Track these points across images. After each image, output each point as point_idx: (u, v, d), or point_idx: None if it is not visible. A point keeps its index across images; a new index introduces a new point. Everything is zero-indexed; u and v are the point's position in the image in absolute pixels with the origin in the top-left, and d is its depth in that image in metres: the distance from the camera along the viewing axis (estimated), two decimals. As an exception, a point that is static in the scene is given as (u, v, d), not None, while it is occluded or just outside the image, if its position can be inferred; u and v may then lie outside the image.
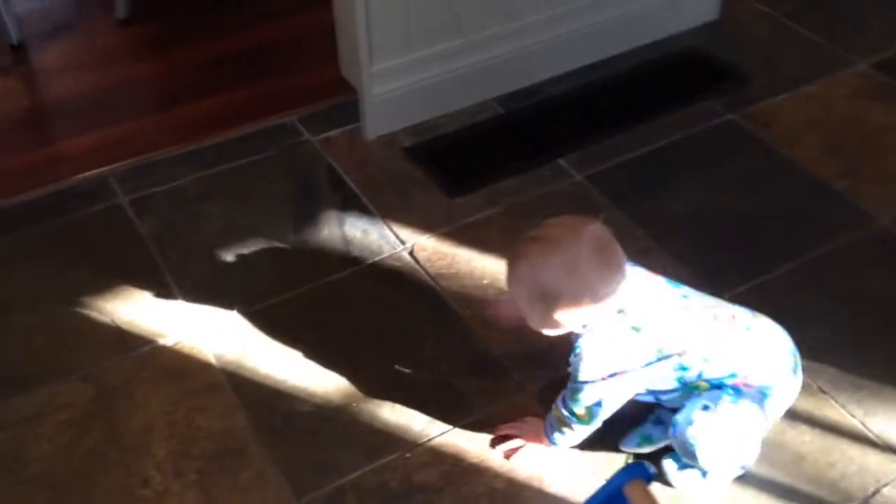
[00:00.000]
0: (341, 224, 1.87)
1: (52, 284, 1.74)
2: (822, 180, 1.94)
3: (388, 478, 1.42)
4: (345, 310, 1.69)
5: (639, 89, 2.22)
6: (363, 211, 1.90)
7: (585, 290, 1.25)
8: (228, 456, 1.45)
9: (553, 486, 1.41)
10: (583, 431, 1.37)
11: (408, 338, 1.64)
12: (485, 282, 1.73)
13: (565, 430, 1.37)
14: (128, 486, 1.42)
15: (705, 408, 1.31)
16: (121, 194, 1.94)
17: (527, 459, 1.43)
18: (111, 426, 1.50)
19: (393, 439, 1.47)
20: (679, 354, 1.30)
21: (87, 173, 1.99)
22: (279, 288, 1.73)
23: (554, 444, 1.40)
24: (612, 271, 1.27)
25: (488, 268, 1.76)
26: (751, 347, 1.35)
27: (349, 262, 1.78)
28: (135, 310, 1.69)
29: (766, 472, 1.42)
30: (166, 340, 1.63)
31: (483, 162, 2.02)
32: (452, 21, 2.03)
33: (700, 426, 1.30)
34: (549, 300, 1.26)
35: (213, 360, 1.60)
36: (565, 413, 1.35)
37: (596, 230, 1.29)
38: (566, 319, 1.28)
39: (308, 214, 1.89)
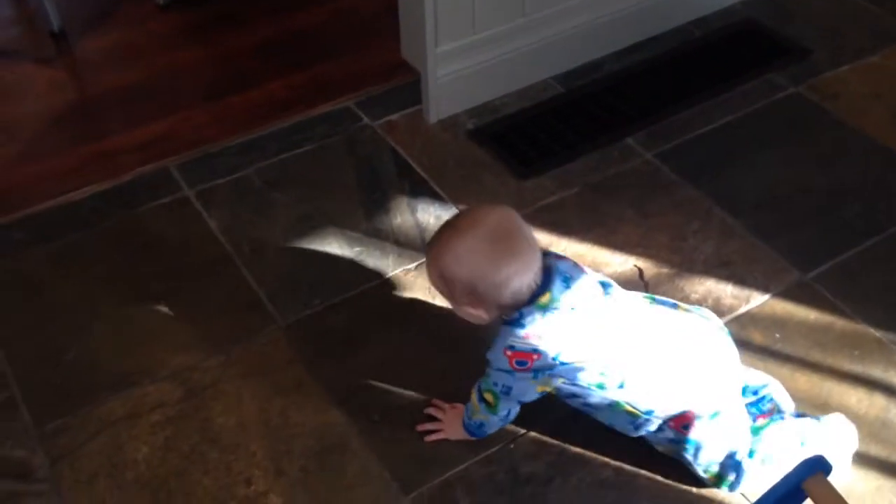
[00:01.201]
0: (413, 211, 1.83)
1: (126, 283, 1.70)
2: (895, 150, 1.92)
3: (495, 469, 1.40)
4: (428, 299, 1.66)
5: (699, 63, 2.18)
6: (433, 196, 1.86)
7: (479, 277, 1.27)
8: (329, 453, 1.43)
9: (660, 476, 1.39)
10: (490, 421, 1.38)
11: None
12: (567, 266, 1.70)
13: (476, 416, 1.39)
14: (230, 486, 1.39)
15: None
16: (185, 187, 1.90)
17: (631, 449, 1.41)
18: (206, 426, 1.47)
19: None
20: (580, 362, 1.28)
21: (147, 166, 1.95)
22: (359, 278, 1.70)
23: (468, 431, 1.41)
24: (508, 260, 1.26)
25: (569, 251, 1.73)
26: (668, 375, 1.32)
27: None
28: (214, 306, 1.66)
29: (876, 450, 1.40)
30: (250, 337, 1.60)
31: (549, 143, 1.99)
32: (516, 2, 1.98)
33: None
34: (450, 285, 1.30)
35: (301, 356, 1.57)
36: (476, 398, 1.37)
37: (500, 218, 1.31)
38: (470, 304, 1.30)
39: (377, 201, 1.86)
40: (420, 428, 1.45)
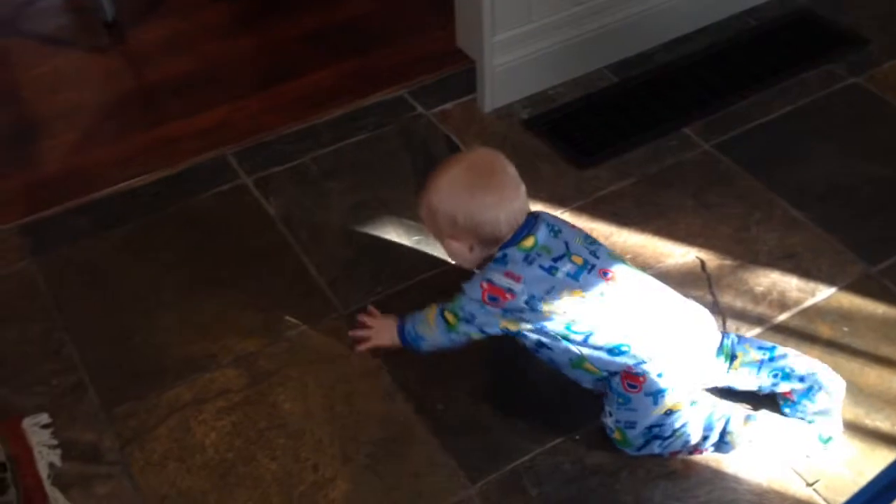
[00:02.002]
0: (471, 200, 1.83)
1: (189, 269, 1.72)
2: (960, 143, 1.89)
3: (561, 460, 1.40)
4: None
5: (754, 53, 2.16)
6: (490, 186, 1.86)
7: (457, 206, 1.36)
8: (395, 440, 1.43)
9: (731, 468, 1.38)
10: (434, 338, 1.44)
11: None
12: (628, 257, 1.70)
13: (421, 329, 1.45)
14: (298, 471, 1.40)
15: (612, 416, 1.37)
16: (243, 174, 1.91)
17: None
18: (271, 412, 1.48)
19: (559, 421, 1.45)
20: (550, 312, 1.33)
21: (205, 154, 1.96)
22: (419, 267, 1.70)
23: (403, 339, 1.48)
24: (484, 190, 1.36)
25: (629, 242, 1.73)
26: (647, 320, 1.35)
27: (485, 239, 1.75)
28: (276, 293, 1.66)
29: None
30: (313, 324, 1.61)
31: (605, 132, 1.98)
32: (574, -11, 1.98)
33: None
34: (435, 217, 1.40)
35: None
36: (435, 313, 1.43)
37: (483, 155, 1.45)
38: (451, 236, 1.39)
39: (435, 191, 1.86)
40: (352, 334, 1.55)
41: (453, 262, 1.51)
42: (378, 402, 1.49)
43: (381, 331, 1.54)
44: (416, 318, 1.48)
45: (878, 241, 1.69)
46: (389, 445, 1.43)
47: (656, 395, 1.34)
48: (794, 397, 1.40)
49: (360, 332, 1.55)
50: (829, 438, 1.39)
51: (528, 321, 1.35)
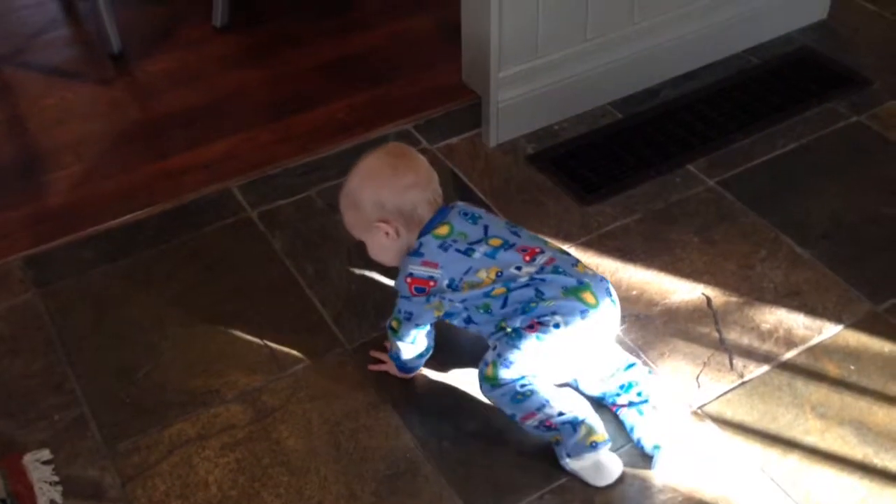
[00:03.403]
0: (476, 235, 1.83)
1: (193, 303, 1.71)
2: (964, 182, 1.90)
3: (569, 498, 1.39)
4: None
5: (757, 91, 2.17)
6: (496, 221, 1.86)
7: (383, 186, 1.43)
8: (401, 477, 1.42)
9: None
10: (401, 349, 1.50)
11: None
12: (633, 293, 1.70)
13: (392, 348, 1.52)
14: (302, 510, 1.39)
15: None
16: (248, 207, 1.91)
17: (713, 478, 1.39)
18: (276, 449, 1.47)
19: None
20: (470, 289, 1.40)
21: (210, 187, 1.97)
22: (424, 302, 1.69)
23: (396, 365, 1.54)
24: (405, 170, 1.45)
25: (634, 278, 1.73)
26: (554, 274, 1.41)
27: (490, 275, 1.75)
28: (281, 327, 1.66)
29: None
30: (318, 359, 1.60)
31: (610, 168, 1.98)
32: (580, 25, 1.99)
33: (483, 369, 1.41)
34: (361, 208, 1.45)
35: (371, 380, 1.56)
36: (387, 326, 1.50)
37: (394, 144, 1.55)
38: (381, 219, 1.43)
39: (440, 225, 1.86)
40: (372, 354, 1.59)
41: (378, 261, 1.55)
42: (383, 438, 1.48)
43: (391, 362, 1.56)
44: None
45: (883, 279, 1.69)
46: (395, 482, 1.42)
47: (542, 334, 1.37)
48: (628, 407, 1.46)
49: (378, 354, 1.59)
50: (657, 446, 1.41)
51: (451, 299, 1.42)
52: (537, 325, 1.38)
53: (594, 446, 1.38)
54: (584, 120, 2.11)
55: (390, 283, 1.72)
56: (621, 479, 1.40)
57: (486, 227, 1.45)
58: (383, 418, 1.51)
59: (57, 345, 1.64)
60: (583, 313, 1.39)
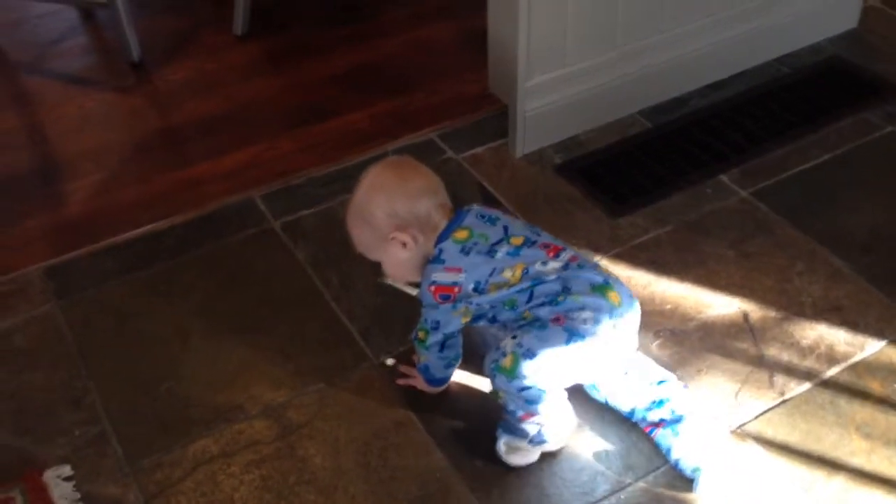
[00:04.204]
0: (504, 246, 1.79)
1: (216, 315, 1.67)
2: None
3: (607, 521, 1.34)
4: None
5: (788, 100, 2.13)
6: (524, 232, 1.82)
7: (394, 195, 1.40)
8: (432, 499, 1.37)
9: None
10: (430, 361, 1.45)
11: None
12: (667, 307, 1.65)
13: (421, 360, 1.47)
14: (330, 530, 1.35)
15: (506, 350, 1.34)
16: (270, 217, 1.87)
17: (756, 501, 1.35)
18: (302, 466, 1.42)
19: (598, 478, 1.39)
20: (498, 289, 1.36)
21: (232, 197, 1.93)
22: (452, 315, 1.65)
23: (425, 379, 1.49)
24: (413, 175, 1.43)
25: (668, 292, 1.68)
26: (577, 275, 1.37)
27: (520, 287, 1.70)
28: (305, 341, 1.62)
29: None
30: (344, 374, 1.56)
31: (639, 178, 1.94)
32: (609, 33, 1.95)
33: (493, 357, 1.34)
34: (373, 222, 1.41)
35: (399, 396, 1.52)
36: (413, 338, 1.46)
37: (394, 157, 1.54)
38: (396, 228, 1.40)
39: (467, 237, 1.81)
40: (401, 369, 1.55)
41: (394, 282, 1.53)
42: (413, 457, 1.43)
43: (420, 376, 1.52)
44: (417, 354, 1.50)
45: (927, 294, 1.64)
46: (426, 503, 1.37)
47: (573, 334, 1.32)
48: (663, 427, 1.41)
49: (406, 369, 1.55)
50: (697, 469, 1.36)
51: (479, 303, 1.38)
52: (564, 318, 1.33)
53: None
54: (613, 129, 2.07)
55: (416, 294, 1.67)
56: (661, 501, 1.36)
57: (505, 227, 1.41)
58: (413, 436, 1.46)
59: (77, 358, 1.61)
60: (611, 312, 1.34)
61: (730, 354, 1.57)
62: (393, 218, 1.40)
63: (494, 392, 1.37)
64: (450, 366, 1.48)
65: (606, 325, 1.33)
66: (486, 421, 1.47)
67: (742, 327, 1.61)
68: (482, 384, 1.52)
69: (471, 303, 1.39)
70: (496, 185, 1.94)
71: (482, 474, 1.40)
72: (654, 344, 1.58)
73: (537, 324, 1.34)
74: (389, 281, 1.64)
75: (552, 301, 1.34)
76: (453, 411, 1.49)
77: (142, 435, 1.48)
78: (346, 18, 2.51)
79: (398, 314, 1.66)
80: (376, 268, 1.59)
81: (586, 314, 1.32)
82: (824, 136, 2.02)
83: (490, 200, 1.89)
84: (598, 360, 1.37)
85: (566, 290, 1.35)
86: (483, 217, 1.43)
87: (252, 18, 2.45)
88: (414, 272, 1.45)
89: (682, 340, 1.59)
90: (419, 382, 1.52)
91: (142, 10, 2.52)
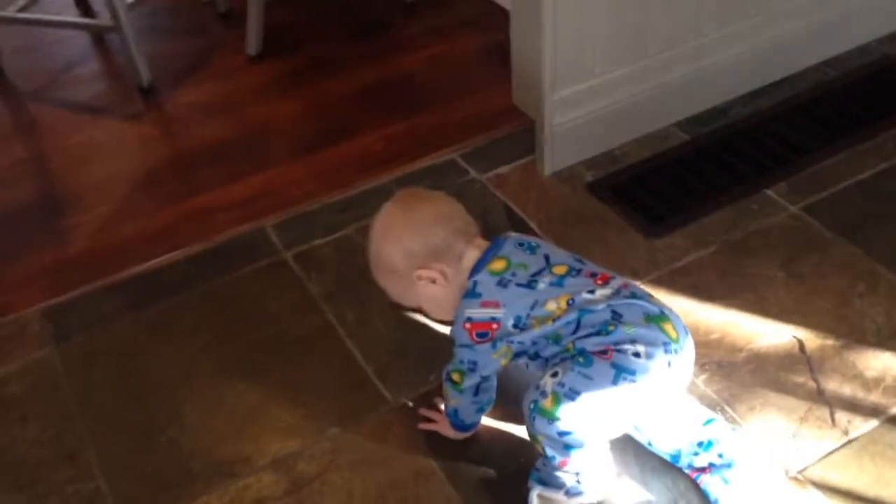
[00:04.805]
0: (532, 274, 1.65)
1: (222, 355, 1.56)
2: None
3: (652, 584, 1.19)
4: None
5: (837, 106, 1.97)
6: (554, 257, 1.68)
7: (407, 235, 1.28)
8: (456, 559, 1.24)
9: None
10: (462, 404, 1.32)
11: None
12: (713, 336, 1.50)
13: (450, 403, 1.34)
14: None
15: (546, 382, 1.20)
16: (282, 248, 1.76)
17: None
18: (313, 524, 1.30)
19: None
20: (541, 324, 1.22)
21: (242, 227, 1.82)
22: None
23: (454, 425, 1.36)
24: (419, 205, 1.32)
25: (713, 320, 1.53)
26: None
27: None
28: (318, 383, 1.49)
29: None
30: (359, 419, 1.43)
31: (678, 195, 1.80)
32: (641, 41, 1.81)
33: (533, 396, 1.20)
34: (397, 269, 1.29)
35: (419, 443, 1.39)
36: (444, 379, 1.32)
37: (397, 194, 1.36)
38: (421, 267, 1.27)
39: (492, 264, 1.68)
40: (422, 412, 1.42)
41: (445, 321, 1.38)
42: (435, 513, 1.30)
43: (445, 421, 1.38)
44: (445, 399, 1.36)
45: None
46: (449, 565, 1.24)
47: (622, 371, 1.17)
48: (710, 472, 1.27)
49: (427, 413, 1.42)
50: None
51: (521, 341, 1.24)
52: (613, 351, 1.18)
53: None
54: (647, 143, 1.93)
55: (442, 329, 1.54)
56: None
57: (546, 256, 1.28)
58: (434, 487, 1.33)
59: (73, 408, 1.49)
60: (666, 347, 1.19)
61: (785, 389, 1.41)
62: (411, 258, 1.28)
63: (532, 436, 1.23)
64: (481, 410, 1.35)
65: (660, 362, 1.18)
66: (516, 470, 1.33)
67: (797, 358, 1.46)
68: (511, 428, 1.39)
69: (511, 341, 1.24)
70: (524, 207, 1.80)
71: (512, 531, 1.27)
72: (700, 378, 1.43)
73: (580, 359, 1.19)
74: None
75: (600, 331, 1.20)
76: (479, 458, 1.36)
77: (138, 493, 1.35)
78: (364, 35, 2.40)
79: (418, 352, 1.53)
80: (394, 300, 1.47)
81: (638, 347, 1.18)
82: (880, 144, 1.86)
83: (517, 223, 1.76)
84: (648, 403, 1.22)
85: (617, 318, 1.20)
86: (521, 245, 1.30)
87: (266, 38, 2.35)
88: (448, 308, 1.31)
89: (730, 374, 1.44)
90: (444, 427, 1.39)
91: (151, 35, 2.44)
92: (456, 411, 1.34)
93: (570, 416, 1.17)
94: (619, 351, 1.17)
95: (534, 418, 1.19)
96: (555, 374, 1.19)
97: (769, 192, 1.78)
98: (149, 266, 1.75)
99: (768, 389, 1.41)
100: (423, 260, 1.27)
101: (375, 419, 1.43)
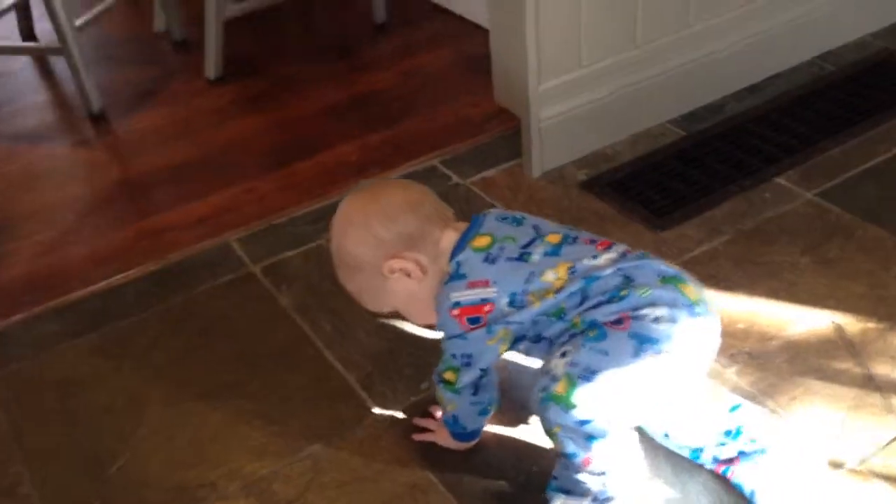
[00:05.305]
0: (530, 273, 1.48)
1: (178, 378, 1.35)
2: None
3: None
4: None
5: (840, 97, 1.85)
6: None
7: (373, 222, 1.11)
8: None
9: None
10: (460, 407, 1.13)
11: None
12: (739, 326, 1.33)
13: (447, 409, 1.15)
14: None
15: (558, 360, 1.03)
16: (249, 262, 1.57)
17: None
18: (292, 554, 1.09)
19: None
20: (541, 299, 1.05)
21: (203, 244, 1.63)
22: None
23: (454, 435, 1.16)
24: (383, 189, 1.17)
25: (735, 309, 1.36)
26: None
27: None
28: (293, 399, 1.30)
29: None
30: (343, 434, 1.23)
31: (682, 189, 1.65)
32: (628, 29, 1.68)
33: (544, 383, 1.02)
34: (365, 265, 1.12)
35: (414, 456, 1.19)
36: (436, 384, 1.14)
37: (361, 183, 1.22)
38: (394, 256, 1.10)
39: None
40: (416, 422, 1.22)
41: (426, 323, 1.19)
42: (438, 532, 1.10)
43: (442, 429, 1.19)
44: (442, 407, 1.17)
45: None
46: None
47: (643, 341, 0.99)
48: (741, 462, 1.10)
49: (423, 422, 1.22)
50: None
51: (520, 321, 1.06)
52: (630, 319, 1.01)
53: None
54: (641, 141, 1.79)
55: (433, 335, 1.36)
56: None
57: (535, 227, 1.12)
58: (436, 502, 1.12)
59: (10, 439, 1.28)
60: (689, 309, 1.03)
61: (828, 377, 1.24)
62: (379, 248, 1.11)
63: (547, 431, 1.04)
64: (484, 413, 1.15)
65: (685, 327, 1.01)
66: (528, 479, 1.13)
67: (837, 344, 1.29)
68: (520, 434, 1.20)
69: (510, 323, 1.07)
70: (514, 209, 1.63)
71: (531, 547, 1.07)
72: (731, 370, 1.26)
73: (592, 332, 1.02)
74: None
75: (612, 298, 1.03)
76: (485, 469, 1.16)
77: (85, 528, 1.14)
78: (332, 57, 2.26)
79: (406, 359, 1.34)
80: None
81: (659, 311, 1.01)
82: (888, 131, 1.73)
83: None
84: (676, 378, 1.04)
85: (629, 282, 1.03)
86: (505, 219, 1.14)
87: (227, 63, 2.19)
88: (429, 306, 1.13)
89: (764, 364, 1.27)
90: (442, 437, 1.19)
91: (103, 64, 2.28)
92: (455, 418, 1.15)
93: (588, 401, 0.99)
94: (636, 318, 1.01)
95: (546, 408, 1.01)
96: (564, 355, 1.02)
97: (780, 180, 1.63)
98: (96, 289, 1.55)
99: (809, 378, 1.24)
100: (394, 249, 1.10)
101: (361, 433, 1.23)
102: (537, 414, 1.03)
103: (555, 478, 1.08)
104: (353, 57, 2.25)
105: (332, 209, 1.65)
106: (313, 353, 1.37)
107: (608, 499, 1.06)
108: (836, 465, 1.12)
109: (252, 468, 1.19)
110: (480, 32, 2.08)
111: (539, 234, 1.11)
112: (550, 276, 1.05)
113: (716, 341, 1.07)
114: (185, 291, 1.52)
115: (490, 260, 1.08)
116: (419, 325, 1.21)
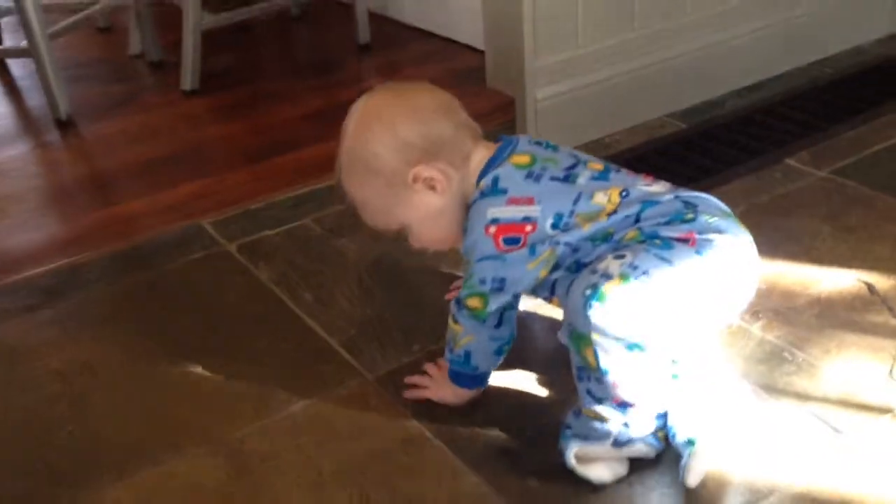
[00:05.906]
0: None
1: (138, 346, 1.21)
2: None
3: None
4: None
5: (846, 91, 1.80)
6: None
7: (400, 123, 0.99)
8: (470, 537, 0.88)
9: None
10: (478, 341, 1.00)
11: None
12: (761, 287, 1.21)
13: (459, 344, 1.01)
14: None
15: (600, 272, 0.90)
16: (224, 241, 1.45)
17: None
18: (266, 514, 0.93)
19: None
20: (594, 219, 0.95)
21: (174, 225, 1.51)
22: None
23: (456, 378, 1.03)
24: (418, 94, 1.03)
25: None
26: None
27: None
28: (270, 361, 1.16)
29: None
30: (327, 393, 1.09)
31: (688, 171, 1.56)
32: (626, 11, 1.62)
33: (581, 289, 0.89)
34: (380, 169, 1.00)
35: (404, 409, 1.05)
36: (454, 313, 1.01)
37: (388, 83, 1.10)
38: (421, 161, 0.98)
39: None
40: (408, 380, 1.09)
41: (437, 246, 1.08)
42: (435, 484, 0.94)
43: (438, 382, 1.06)
44: (449, 343, 1.04)
45: None
46: (461, 547, 0.88)
47: (705, 247, 0.91)
48: None
49: (415, 379, 1.09)
50: (692, 440, 0.93)
51: (567, 241, 0.95)
52: (697, 239, 0.91)
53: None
54: (640, 132, 1.71)
55: (418, 303, 1.24)
56: None
57: (574, 155, 1.02)
58: (430, 455, 0.98)
59: (-56, 409, 1.13)
60: (747, 246, 0.95)
61: (863, 329, 1.13)
62: (405, 152, 0.99)
63: (580, 339, 0.90)
64: (499, 352, 1.02)
65: (744, 261, 0.95)
66: (536, 434, 0.99)
67: (869, 300, 1.18)
68: (525, 386, 1.06)
69: (557, 243, 0.95)
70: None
71: (543, 497, 0.91)
72: (756, 326, 1.14)
73: (657, 241, 0.91)
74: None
75: (675, 220, 0.93)
76: (486, 423, 1.02)
77: (29, 489, 0.98)
78: (314, 72, 2.18)
79: (394, 323, 1.21)
80: (365, 281, 1.17)
81: (723, 239, 0.92)
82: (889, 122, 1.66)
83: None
84: (721, 310, 0.96)
85: (693, 208, 0.95)
86: (539, 144, 1.03)
87: (204, 77, 2.10)
88: (459, 227, 1.02)
89: (792, 319, 1.15)
90: (439, 391, 1.05)
91: (74, 81, 2.18)
92: (468, 355, 1.01)
93: (638, 306, 0.87)
94: (704, 240, 0.91)
95: (589, 307, 0.87)
96: (620, 257, 0.90)
97: (791, 161, 1.55)
98: (55, 266, 1.41)
99: (843, 331, 1.13)
100: (422, 154, 0.98)
101: (346, 392, 1.09)
102: (576, 320, 0.89)
103: (568, 426, 0.95)
104: (335, 73, 2.17)
105: (316, 195, 1.57)
106: (293, 319, 1.23)
107: (629, 440, 0.92)
108: (884, 412, 0.99)
109: (222, 430, 1.04)
110: (470, 52, 2.02)
111: (580, 160, 1.01)
112: (601, 198, 0.96)
113: (753, 290, 0.97)
114: (154, 270, 1.39)
115: (534, 177, 0.97)
116: (428, 247, 1.06)
